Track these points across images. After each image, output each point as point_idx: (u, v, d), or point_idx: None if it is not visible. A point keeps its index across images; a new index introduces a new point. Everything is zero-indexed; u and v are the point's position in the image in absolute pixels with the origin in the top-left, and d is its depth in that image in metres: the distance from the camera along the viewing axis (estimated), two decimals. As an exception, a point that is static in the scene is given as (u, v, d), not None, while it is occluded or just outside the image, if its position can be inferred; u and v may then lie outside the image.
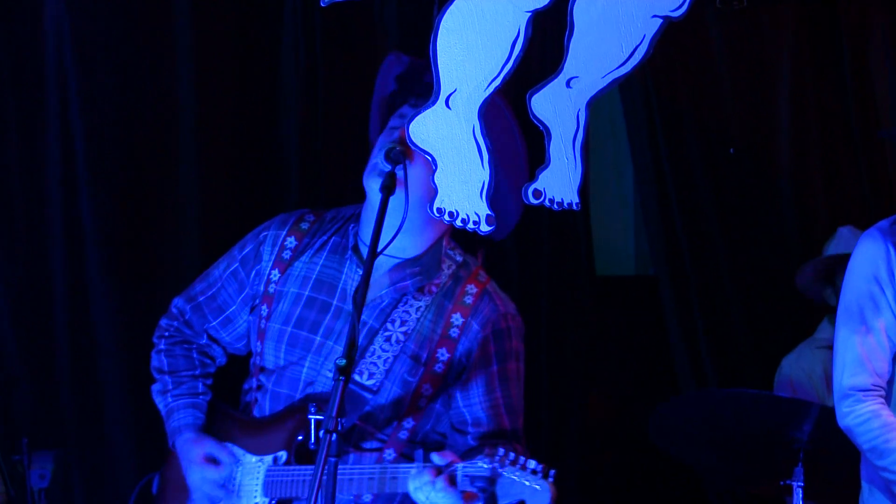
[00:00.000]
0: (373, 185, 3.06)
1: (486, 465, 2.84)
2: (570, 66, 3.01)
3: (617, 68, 3.03)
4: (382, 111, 3.22)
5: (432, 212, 2.96)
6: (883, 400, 3.20)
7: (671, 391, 4.99)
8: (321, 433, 2.70)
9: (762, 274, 5.22)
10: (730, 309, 5.21)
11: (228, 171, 4.74)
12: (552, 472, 2.82)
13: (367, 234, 3.04)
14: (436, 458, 2.90)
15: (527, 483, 2.82)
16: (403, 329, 3.12)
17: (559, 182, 3.02)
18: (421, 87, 3.08)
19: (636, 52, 3.02)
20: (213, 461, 3.13)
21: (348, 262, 3.16)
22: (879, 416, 3.17)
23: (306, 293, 3.17)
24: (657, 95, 5.11)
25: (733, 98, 5.21)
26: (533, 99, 2.98)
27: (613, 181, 5.90)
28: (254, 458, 3.12)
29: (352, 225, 3.20)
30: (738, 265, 5.22)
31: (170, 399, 3.25)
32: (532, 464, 2.83)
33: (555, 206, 3.03)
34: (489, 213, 2.97)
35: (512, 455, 2.83)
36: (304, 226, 3.24)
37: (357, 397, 3.08)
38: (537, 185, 3.00)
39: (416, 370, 3.11)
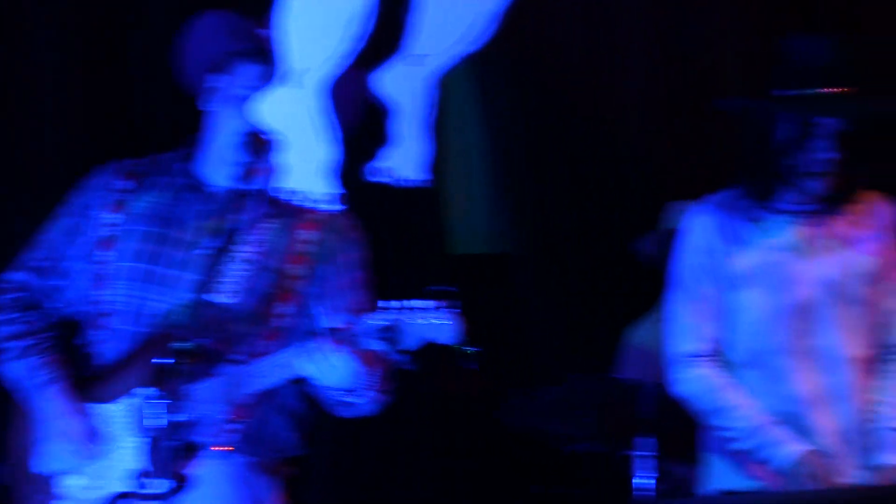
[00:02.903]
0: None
1: (387, 316, 2.86)
2: (417, 43, 3.02)
3: (465, 44, 3.05)
4: (204, 62, 3.23)
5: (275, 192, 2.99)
6: (715, 364, 3.27)
7: (525, 370, 5.01)
8: (174, 362, 2.71)
9: (615, 249, 5.26)
10: (583, 285, 5.25)
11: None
12: (458, 302, 2.86)
13: (215, 172, 3.15)
14: (329, 323, 2.95)
15: (434, 321, 2.84)
16: (258, 248, 3.15)
17: (406, 159, 3.04)
18: (251, 45, 3.13)
19: (485, 28, 3.03)
20: (81, 413, 3.10)
21: (187, 196, 3.20)
22: (712, 379, 3.24)
23: (150, 229, 3.18)
24: (511, 70, 5.11)
25: (586, 72, 5.23)
26: (378, 77, 2.99)
27: (468, 158, 5.89)
28: (115, 405, 3.09)
29: (178, 164, 3.25)
30: (592, 241, 5.26)
31: (26, 361, 3.20)
32: (432, 303, 2.86)
33: (402, 182, 3.04)
34: (333, 190, 2.99)
35: (410, 301, 2.87)
36: (134, 168, 3.26)
37: (218, 317, 3.09)
38: (383, 162, 3.02)
39: (274, 285, 3.15)
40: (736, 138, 3.34)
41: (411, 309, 2.88)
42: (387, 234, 4.96)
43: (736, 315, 3.26)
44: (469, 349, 2.89)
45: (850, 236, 3.27)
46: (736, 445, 3.21)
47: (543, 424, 4.12)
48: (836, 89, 3.14)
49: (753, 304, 3.24)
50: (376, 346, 2.91)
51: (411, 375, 3.09)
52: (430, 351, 2.91)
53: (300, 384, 3.17)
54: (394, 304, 2.88)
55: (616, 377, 4.30)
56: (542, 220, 5.21)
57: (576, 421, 4.05)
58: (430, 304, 2.87)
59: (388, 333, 2.88)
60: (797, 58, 3.16)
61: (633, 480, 3.90)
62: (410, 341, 2.89)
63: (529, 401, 4.06)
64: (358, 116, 3.13)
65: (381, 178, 3.03)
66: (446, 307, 2.86)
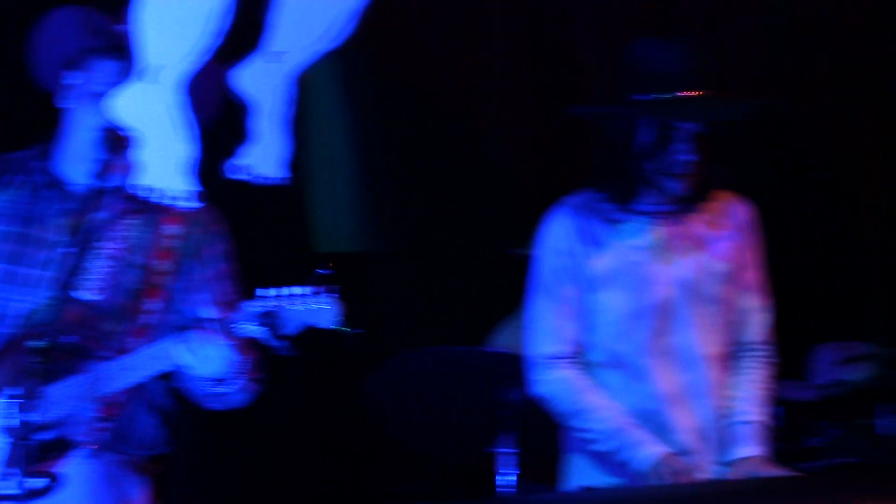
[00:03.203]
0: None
1: (266, 302, 2.90)
2: (276, 40, 3.00)
3: (325, 41, 3.04)
4: (59, 59, 3.22)
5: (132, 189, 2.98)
6: (575, 366, 3.31)
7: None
8: (32, 361, 2.71)
9: (479, 249, 5.30)
10: (447, 284, 5.28)
11: None
12: (336, 287, 2.87)
13: (74, 169, 3.18)
14: (200, 314, 2.97)
15: (313, 306, 2.85)
16: (122, 245, 3.17)
17: (265, 157, 3.02)
18: (107, 41, 3.13)
19: (345, 25, 3.03)
20: None
21: (46, 194, 3.20)
22: (573, 381, 3.28)
23: (8, 229, 3.19)
24: (372, 68, 5.12)
25: (447, 70, 5.26)
26: (236, 74, 2.97)
27: (329, 156, 5.88)
28: None
29: (35, 162, 3.25)
30: (455, 240, 5.29)
31: None
32: (310, 289, 2.86)
33: (261, 180, 3.03)
34: (191, 188, 2.98)
35: (289, 287, 2.90)
36: None
37: (84, 314, 3.09)
38: (241, 160, 3.00)
39: (140, 281, 3.17)
40: (594, 141, 3.39)
41: (290, 295, 2.90)
42: (247, 232, 4.95)
43: (596, 316, 3.31)
44: (350, 331, 2.91)
45: (706, 236, 3.34)
46: (596, 447, 3.26)
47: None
48: (692, 93, 3.20)
49: (612, 304, 3.29)
50: (255, 332, 2.93)
51: (283, 368, 3.11)
52: (309, 337, 2.93)
53: (168, 381, 3.17)
54: (272, 290, 2.90)
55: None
56: (404, 218, 5.23)
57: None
58: (309, 289, 2.89)
59: (268, 319, 2.90)
60: (654, 62, 3.20)
61: (496, 477, 3.94)
62: (290, 327, 2.90)
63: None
64: (216, 113, 3.11)
65: (239, 176, 3.01)
66: (325, 292, 2.88)
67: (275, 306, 2.93)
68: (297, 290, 2.94)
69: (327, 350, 3.24)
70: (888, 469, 4.34)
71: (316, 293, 2.93)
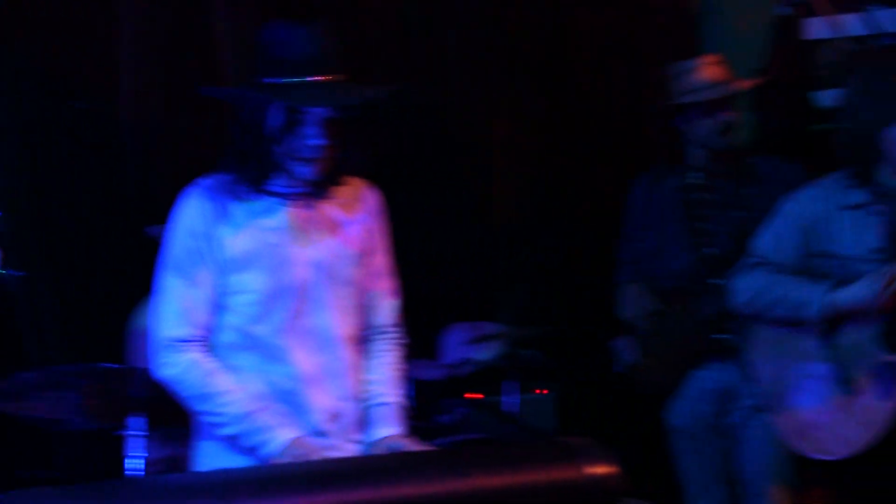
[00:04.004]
0: None
1: None
2: None
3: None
4: None
5: None
6: (205, 349, 3.29)
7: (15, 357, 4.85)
8: None
9: (116, 228, 5.18)
10: (86, 262, 5.13)
11: None
12: None
13: None
14: None
15: None
16: None
17: None
18: None
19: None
20: None
21: None
22: (200, 364, 3.25)
23: None
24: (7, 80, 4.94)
25: (80, 53, 5.12)
26: None
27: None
28: None
29: None
30: (93, 219, 5.15)
31: None
32: None
33: None
34: None
35: None
36: None
37: None
38: None
39: None
40: (228, 122, 3.37)
41: None
42: None
43: (231, 297, 3.29)
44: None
45: (339, 220, 3.37)
46: (224, 431, 3.24)
47: (18, 407, 4.05)
48: (321, 77, 3.20)
49: (249, 286, 3.27)
50: None
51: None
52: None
53: None
54: None
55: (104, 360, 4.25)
56: (36, 199, 5.06)
57: (54, 402, 4.00)
58: None
59: None
60: (284, 46, 3.19)
61: (125, 459, 3.89)
62: None
63: (6, 384, 3.96)
64: None
65: None
66: None
67: None
68: None
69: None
70: (511, 443, 4.52)
71: None
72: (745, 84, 4.92)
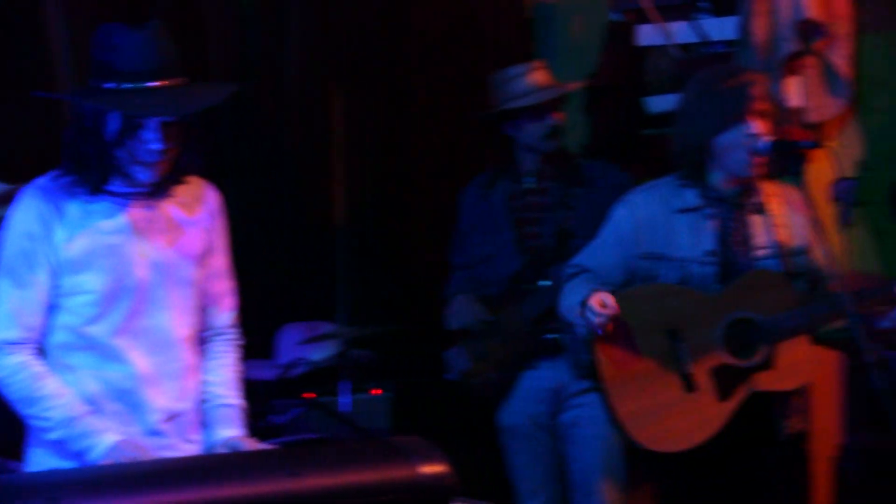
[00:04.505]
0: None
1: None
2: None
3: None
4: None
5: None
6: (34, 352, 3.25)
7: None
8: None
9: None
10: None
11: None
12: None
13: None
14: None
15: None
16: None
17: None
18: None
19: None
20: None
21: None
22: (28, 367, 3.22)
23: None
24: None
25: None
26: None
27: None
28: None
29: None
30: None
31: None
32: None
33: None
34: None
35: None
36: None
37: None
38: None
39: None
40: (67, 124, 3.32)
41: None
42: None
43: (68, 298, 3.25)
44: None
45: (179, 220, 3.36)
46: (52, 435, 3.21)
47: None
48: (158, 83, 3.17)
49: (86, 286, 3.24)
50: None
51: None
52: None
53: None
54: None
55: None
56: None
57: None
58: None
59: None
60: (119, 51, 3.15)
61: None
62: None
63: None
64: None
65: None
66: None
67: None
68: None
69: None
70: (344, 443, 4.53)
71: None
72: (570, 87, 5.00)
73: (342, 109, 5.40)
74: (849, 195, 5.24)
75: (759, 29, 5.16)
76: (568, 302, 4.03)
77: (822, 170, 5.07)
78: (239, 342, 3.53)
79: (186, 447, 3.34)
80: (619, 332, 3.92)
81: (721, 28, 5.46)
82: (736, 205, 3.99)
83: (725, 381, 3.89)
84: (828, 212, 5.19)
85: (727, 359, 3.89)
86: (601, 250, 4.09)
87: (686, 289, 3.93)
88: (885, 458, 4.03)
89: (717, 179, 3.98)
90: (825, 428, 4.93)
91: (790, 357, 3.90)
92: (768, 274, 3.94)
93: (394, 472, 2.73)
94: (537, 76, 4.91)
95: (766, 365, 3.89)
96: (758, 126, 3.88)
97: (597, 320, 3.84)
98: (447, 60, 6.14)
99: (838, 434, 4.99)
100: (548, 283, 4.75)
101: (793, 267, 3.98)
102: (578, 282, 4.04)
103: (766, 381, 3.90)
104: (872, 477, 4.72)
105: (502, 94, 4.91)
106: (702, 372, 3.90)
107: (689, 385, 3.90)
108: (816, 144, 3.97)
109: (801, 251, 4.00)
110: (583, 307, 3.88)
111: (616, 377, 3.93)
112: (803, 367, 3.93)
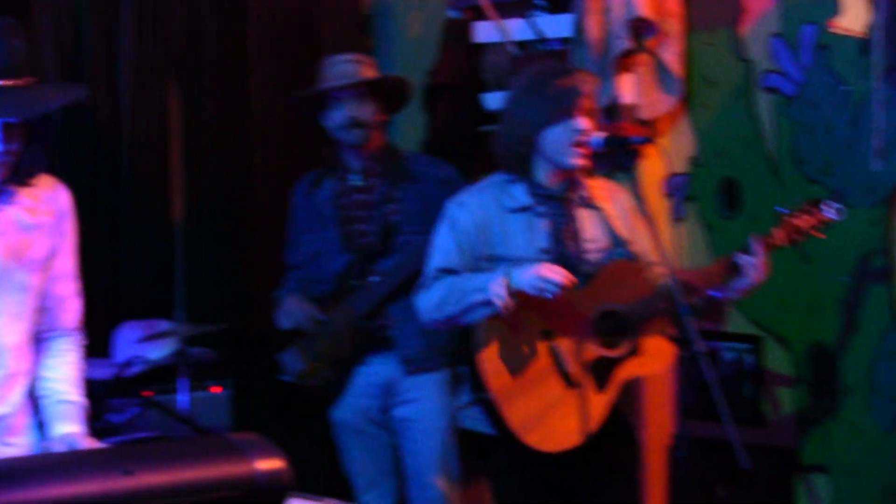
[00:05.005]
0: None
1: None
2: None
3: None
4: None
5: None
6: None
7: None
8: None
9: None
10: None
11: None
12: None
13: None
14: None
15: None
16: None
17: None
18: None
19: None
20: None
21: None
22: None
23: None
24: None
25: None
26: None
27: None
28: None
29: None
30: None
31: None
32: None
33: None
34: None
35: None
36: None
37: None
38: None
39: None
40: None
41: None
42: None
43: None
44: None
45: (21, 224, 3.30)
46: None
47: None
48: (2, 82, 3.11)
49: None
50: None
51: None
52: None
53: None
54: None
55: None
56: None
57: None
58: None
59: None
60: None
61: None
62: None
63: None
64: None
65: None
66: None
67: None
68: None
69: None
70: (181, 440, 4.50)
71: None
72: (369, 74, 4.92)
73: (179, 106, 5.34)
74: (680, 190, 5.37)
75: (593, 27, 5.26)
76: (471, 285, 3.97)
77: (655, 165, 5.19)
78: (81, 343, 3.49)
79: (3, 450, 3.28)
80: (497, 339, 3.95)
81: (556, 25, 5.55)
82: (563, 199, 4.05)
83: (601, 373, 3.96)
84: (660, 206, 5.32)
85: (600, 351, 3.96)
86: (453, 254, 4.09)
87: None
88: (713, 446, 4.13)
89: (542, 175, 4.03)
90: (659, 418, 5.05)
91: (653, 342, 4.00)
92: (624, 264, 4.03)
93: (229, 469, 2.72)
94: (351, 67, 4.88)
95: (634, 352, 3.98)
96: (584, 122, 3.95)
97: (559, 279, 3.83)
98: (286, 56, 6.12)
99: (672, 424, 5.10)
100: (375, 279, 4.77)
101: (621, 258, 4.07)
102: (459, 277, 4.04)
103: (636, 368, 4.00)
104: (702, 465, 4.84)
105: (317, 80, 4.90)
106: (579, 367, 3.95)
107: (570, 382, 3.95)
108: (649, 140, 4.06)
109: (625, 243, 4.09)
110: (538, 279, 3.84)
111: (502, 387, 3.94)
112: (666, 349, 4.02)
